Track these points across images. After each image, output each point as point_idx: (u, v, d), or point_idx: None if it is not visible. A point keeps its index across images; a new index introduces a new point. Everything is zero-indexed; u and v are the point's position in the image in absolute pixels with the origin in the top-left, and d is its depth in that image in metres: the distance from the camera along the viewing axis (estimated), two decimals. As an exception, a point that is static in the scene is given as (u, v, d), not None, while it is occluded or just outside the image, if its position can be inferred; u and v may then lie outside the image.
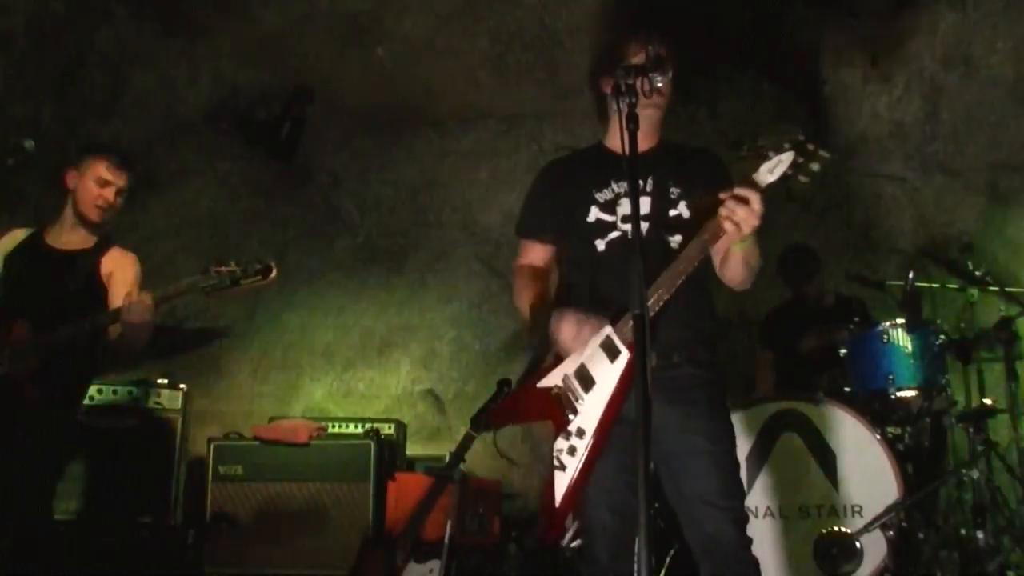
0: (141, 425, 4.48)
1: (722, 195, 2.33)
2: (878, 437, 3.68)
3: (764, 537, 3.59)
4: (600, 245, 2.59)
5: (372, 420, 4.75)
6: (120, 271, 3.38)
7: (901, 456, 3.77)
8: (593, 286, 2.57)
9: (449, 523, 3.77)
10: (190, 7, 4.98)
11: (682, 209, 2.56)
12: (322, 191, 5.74)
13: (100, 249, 3.41)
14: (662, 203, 2.57)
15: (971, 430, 4.09)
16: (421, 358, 5.82)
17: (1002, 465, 4.05)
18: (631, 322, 2.33)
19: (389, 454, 4.58)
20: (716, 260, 2.56)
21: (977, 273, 4.23)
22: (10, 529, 3.12)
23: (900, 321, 4.02)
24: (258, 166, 5.44)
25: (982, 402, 4.14)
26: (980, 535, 3.74)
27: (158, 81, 5.09)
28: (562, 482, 2.39)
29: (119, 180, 3.39)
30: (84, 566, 4.03)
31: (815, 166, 2.30)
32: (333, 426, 4.73)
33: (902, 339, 4.00)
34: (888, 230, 5.40)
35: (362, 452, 4.45)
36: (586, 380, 2.44)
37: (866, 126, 5.17)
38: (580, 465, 2.37)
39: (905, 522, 3.59)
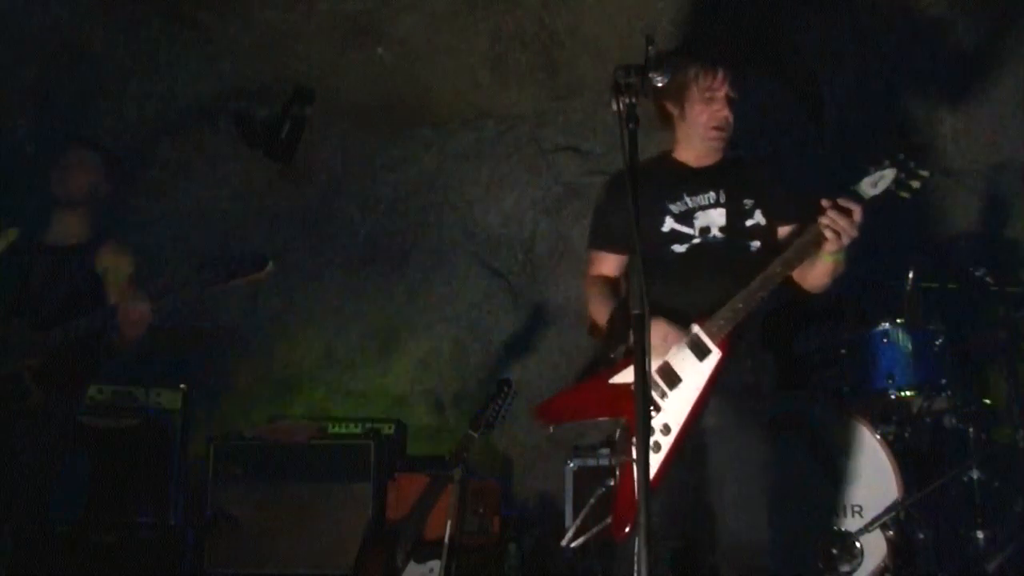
0: (141, 425, 4.48)
1: (824, 202, 2.42)
2: (878, 437, 3.68)
3: (764, 537, 3.59)
4: (679, 249, 2.66)
5: (372, 420, 4.75)
6: (115, 266, 3.35)
7: (901, 456, 3.77)
8: (669, 291, 2.60)
9: (449, 523, 3.78)
10: (190, 7, 4.98)
11: (758, 218, 2.65)
12: (322, 191, 5.74)
13: (95, 243, 3.38)
14: (738, 214, 2.66)
15: (971, 430, 4.09)
16: (421, 358, 5.82)
17: (1002, 465, 4.05)
18: (721, 321, 2.48)
19: (389, 454, 4.58)
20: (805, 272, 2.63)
21: (977, 273, 4.23)
22: (9, 530, 3.11)
23: (900, 321, 4.02)
24: (258, 166, 5.44)
25: (982, 402, 4.14)
26: (980, 535, 3.74)
27: (158, 81, 5.09)
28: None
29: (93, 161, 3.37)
30: (84, 566, 4.03)
31: (916, 184, 2.42)
32: (333, 426, 4.73)
33: (902, 339, 4.00)
34: (888, 230, 5.39)
35: (362, 452, 4.45)
36: (671, 377, 2.49)
37: (866, 125, 5.17)
38: (662, 462, 2.40)
39: (905, 522, 3.59)
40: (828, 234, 2.40)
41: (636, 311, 2.01)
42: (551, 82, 5.29)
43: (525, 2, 5.05)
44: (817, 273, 2.57)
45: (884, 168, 2.44)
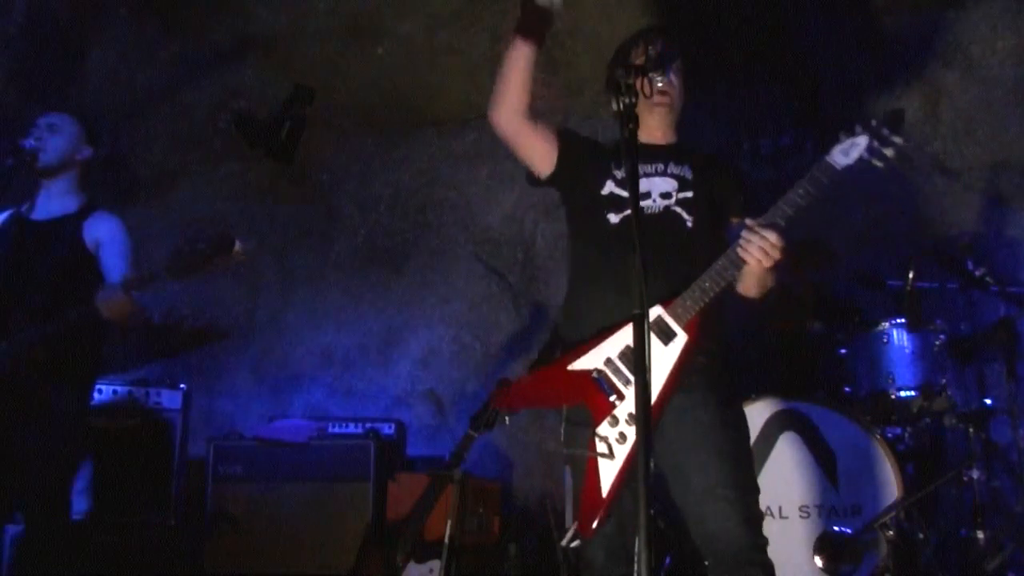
0: (141, 425, 4.48)
1: (747, 223, 2.33)
2: (878, 437, 3.67)
3: (764, 537, 3.59)
4: (613, 219, 2.57)
5: (372, 420, 4.74)
6: (109, 240, 3.27)
7: (901, 456, 3.77)
8: (607, 261, 2.52)
9: (449, 523, 3.77)
10: (190, 7, 4.98)
11: (700, 195, 2.56)
12: (322, 191, 5.74)
13: (83, 213, 3.29)
14: (681, 187, 2.58)
15: (971, 430, 4.08)
16: (421, 358, 5.82)
17: (1002, 465, 4.05)
18: (687, 303, 2.37)
19: (389, 454, 4.57)
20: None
21: (977, 273, 4.23)
22: (28, 530, 3.09)
23: (900, 321, 4.02)
24: (258, 166, 5.44)
25: (982, 402, 4.13)
26: (980, 535, 3.74)
27: (158, 81, 5.09)
28: (610, 471, 2.30)
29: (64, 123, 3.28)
30: (84, 566, 4.03)
31: (890, 152, 2.32)
32: (333, 426, 4.72)
33: (902, 339, 4.00)
34: (888, 230, 5.39)
35: (362, 452, 4.45)
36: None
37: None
38: (629, 454, 2.27)
39: (905, 522, 3.59)
40: (747, 257, 2.32)
41: (636, 311, 2.01)
42: (551, 82, 5.29)
43: (525, 2, 5.05)
44: (746, 283, 2.47)
45: (856, 135, 2.36)
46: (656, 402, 2.31)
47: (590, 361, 2.45)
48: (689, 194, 2.58)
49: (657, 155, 2.63)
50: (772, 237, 2.30)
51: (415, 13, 5.07)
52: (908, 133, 2.33)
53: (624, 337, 2.43)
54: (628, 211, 2.51)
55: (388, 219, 5.79)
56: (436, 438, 5.66)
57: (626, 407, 2.35)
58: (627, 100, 2.17)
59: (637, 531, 1.85)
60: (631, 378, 2.36)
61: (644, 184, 2.56)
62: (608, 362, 2.44)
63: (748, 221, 2.35)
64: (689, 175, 2.62)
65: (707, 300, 2.38)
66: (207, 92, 5.22)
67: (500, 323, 5.76)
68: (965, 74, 4.96)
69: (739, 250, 2.33)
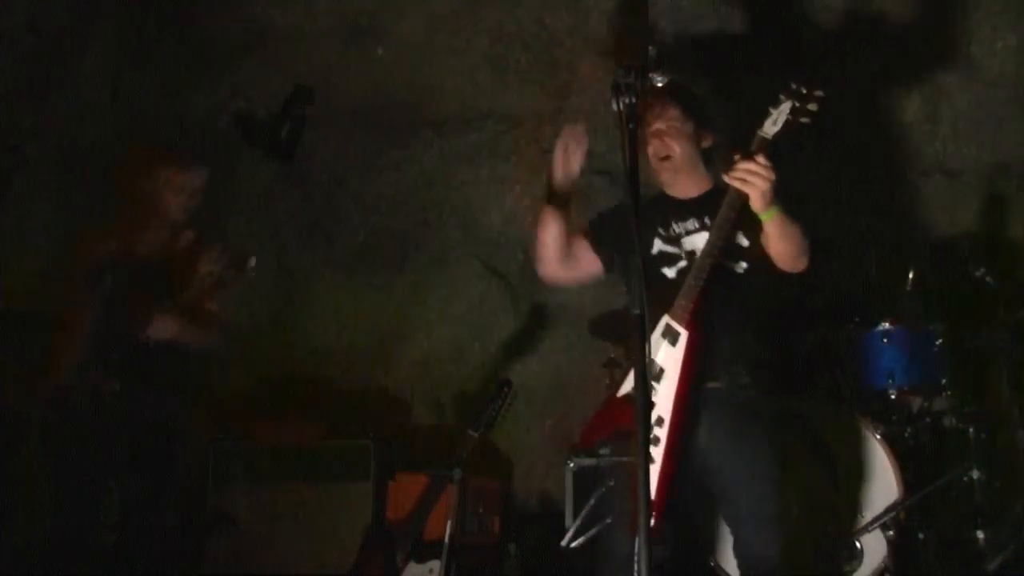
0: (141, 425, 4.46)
1: (735, 157, 2.48)
2: (878, 437, 3.68)
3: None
4: (669, 273, 2.75)
5: (372, 420, 4.74)
6: (187, 261, 3.32)
7: (901, 456, 3.77)
8: (654, 305, 2.65)
9: (449, 523, 3.78)
10: (190, 7, 4.98)
11: (742, 240, 2.70)
12: (322, 191, 5.74)
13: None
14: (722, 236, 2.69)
15: (971, 430, 4.09)
16: (421, 358, 5.82)
17: (1002, 465, 4.05)
18: (682, 302, 2.57)
19: (389, 454, 4.57)
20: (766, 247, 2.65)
21: (977, 273, 4.23)
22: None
23: (900, 321, 4.02)
24: (258, 166, 5.44)
25: (982, 402, 4.14)
26: (980, 535, 3.74)
27: (158, 81, 5.09)
28: (652, 474, 2.45)
29: (195, 180, 3.33)
30: (83, 566, 4.03)
31: (813, 106, 2.45)
32: (333, 426, 4.73)
33: (902, 339, 4.00)
34: (888, 230, 5.40)
35: (362, 452, 4.45)
36: (656, 371, 2.55)
37: (866, 126, 5.17)
38: (664, 451, 2.46)
39: (905, 522, 3.59)
40: (739, 185, 2.44)
41: (636, 311, 2.01)
42: (551, 82, 5.29)
43: (525, 2, 5.05)
44: (771, 244, 2.59)
45: (780, 104, 2.48)
46: (676, 400, 2.49)
47: (629, 383, 2.65)
48: (731, 245, 2.70)
49: (692, 210, 2.77)
50: (759, 158, 2.43)
51: (415, 13, 5.07)
52: (823, 84, 2.45)
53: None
54: (682, 263, 2.73)
55: (388, 219, 5.79)
56: (436, 438, 5.66)
57: (656, 412, 2.52)
58: (627, 100, 2.18)
59: (637, 531, 1.86)
60: (655, 385, 2.55)
61: (687, 243, 2.75)
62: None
63: (735, 156, 2.48)
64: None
65: (696, 293, 2.54)
66: (207, 92, 5.22)
67: (500, 323, 5.76)
68: (965, 74, 4.96)
69: (733, 181, 2.45)
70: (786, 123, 2.45)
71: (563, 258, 2.92)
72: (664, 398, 2.51)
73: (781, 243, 2.57)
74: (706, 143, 2.86)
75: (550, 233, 2.89)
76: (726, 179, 2.48)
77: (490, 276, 5.80)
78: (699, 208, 2.79)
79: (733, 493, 2.59)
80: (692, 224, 2.79)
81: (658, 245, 2.78)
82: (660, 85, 2.40)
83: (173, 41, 5.06)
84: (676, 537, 2.83)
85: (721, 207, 2.56)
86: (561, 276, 2.99)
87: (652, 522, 2.40)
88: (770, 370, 2.78)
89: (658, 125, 2.79)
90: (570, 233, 2.92)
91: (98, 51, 4.88)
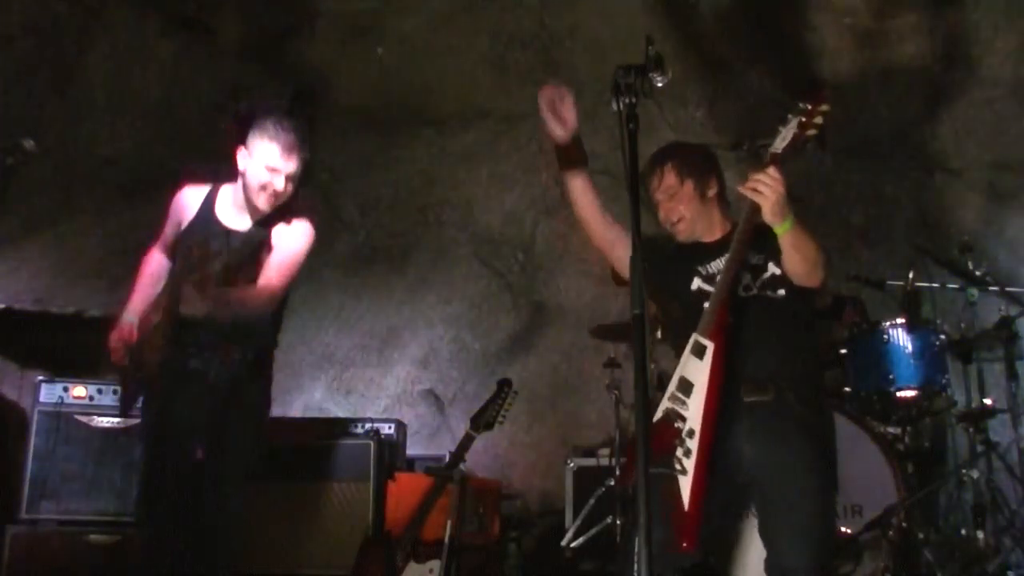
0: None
1: (750, 174, 2.54)
2: (878, 437, 3.68)
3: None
4: (707, 305, 2.75)
5: (372, 420, 4.74)
6: (283, 242, 3.26)
7: (901, 456, 3.77)
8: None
9: (449, 523, 3.78)
10: (190, 7, 4.98)
11: (773, 269, 2.74)
12: (322, 191, 5.74)
13: (268, 223, 3.26)
14: (755, 271, 2.76)
15: (971, 430, 4.09)
16: (421, 358, 5.82)
17: (1002, 465, 4.05)
18: (707, 316, 2.62)
19: (389, 454, 4.57)
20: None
21: (977, 273, 4.23)
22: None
23: (900, 321, 4.02)
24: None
25: (982, 402, 4.14)
26: (980, 535, 3.74)
27: (158, 81, 5.08)
28: (686, 486, 2.50)
29: (288, 167, 3.20)
30: (83, 566, 4.03)
31: (819, 119, 2.52)
32: (333, 426, 4.72)
33: (902, 339, 4.00)
34: (888, 230, 5.40)
35: (362, 452, 4.44)
36: (686, 386, 2.62)
37: (866, 126, 5.17)
38: (696, 462, 2.50)
39: (905, 522, 3.59)
40: (750, 194, 2.51)
41: (636, 311, 2.01)
42: (551, 82, 5.28)
43: (525, 2, 5.06)
44: (786, 258, 2.63)
45: (788, 122, 2.56)
46: (705, 412, 2.54)
47: (663, 405, 2.69)
48: (767, 275, 2.74)
49: (722, 249, 2.79)
50: (770, 170, 2.50)
51: (415, 13, 5.07)
52: (828, 98, 2.54)
53: (678, 371, 2.68)
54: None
55: (388, 219, 5.79)
56: (436, 438, 5.66)
57: (686, 425, 2.57)
58: (627, 100, 2.19)
59: (637, 531, 1.85)
60: (685, 399, 2.61)
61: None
62: (672, 397, 2.66)
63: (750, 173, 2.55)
64: (756, 259, 2.77)
65: (719, 305, 2.61)
66: (207, 92, 5.22)
67: (500, 323, 5.76)
68: (965, 74, 4.96)
69: (746, 191, 2.52)
70: (794, 137, 2.54)
71: (605, 222, 2.88)
72: (695, 411, 2.55)
73: (796, 256, 2.60)
74: (712, 191, 2.89)
75: (578, 199, 2.88)
76: (740, 190, 2.54)
77: (490, 276, 5.80)
78: (725, 249, 2.81)
79: (776, 504, 2.61)
80: (722, 262, 2.82)
81: (697, 283, 2.83)
82: (660, 85, 2.39)
83: (173, 41, 5.06)
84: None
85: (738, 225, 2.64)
86: (606, 241, 2.91)
87: (686, 539, 2.46)
88: (819, 391, 2.81)
89: (659, 195, 2.87)
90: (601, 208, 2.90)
91: (98, 51, 4.88)
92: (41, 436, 4.18)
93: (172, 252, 3.37)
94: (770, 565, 2.59)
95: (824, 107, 2.52)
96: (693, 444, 2.52)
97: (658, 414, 2.67)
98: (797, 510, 2.57)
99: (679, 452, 2.54)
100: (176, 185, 3.49)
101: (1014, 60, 4.87)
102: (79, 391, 4.28)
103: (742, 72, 5.29)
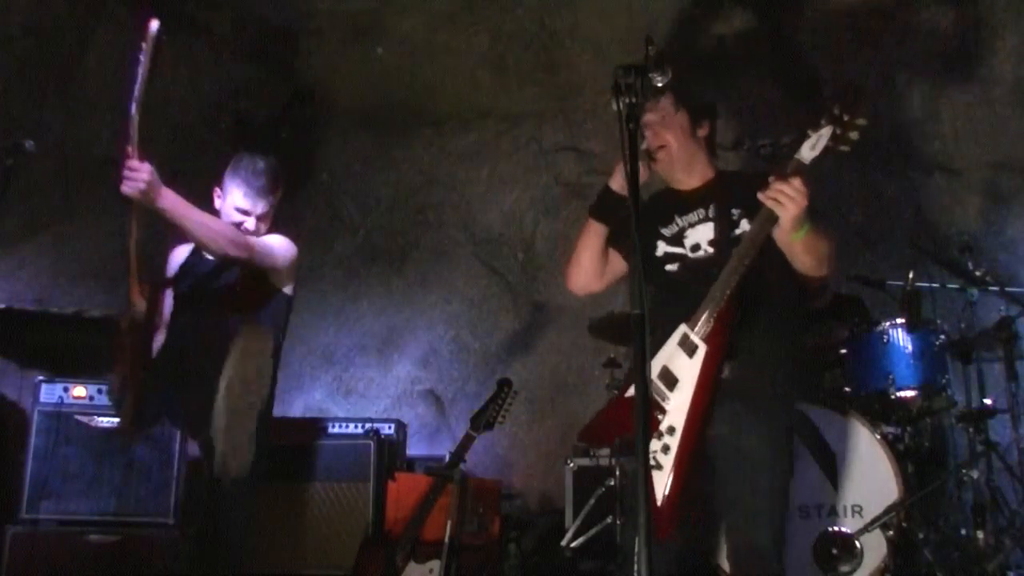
0: (141, 425, 4.46)
1: (771, 179, 2.43)
2: (878, 437, 3.67)
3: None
4: (671, 268, 2.74)
5: (372, 420, 4.74)
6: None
7: (901, 456, 3.76)
8: (668, 302, 2.68)
9: (449, 523, 3.78)
10: (190, 6, 4.98)
11: (745, 227, 2.66)
12: (322, 191, 5.74)
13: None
14: (725, 225, 2.70)
15: (971, 430, 4.09)
16: (421, 358, 5.82)
17: (1002, 465, 4.05)
18: (704, 315, 2.54)
19: (389, 454, 4.57)
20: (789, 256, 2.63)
21: (977, 273, 4.23)
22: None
23: (900, 321, 4.02)
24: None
25: (982, 402, 4.13)
26: (980, 535, 3.73)
27: (158, 81, 5.08)
28: (661, 481, 2.46)
29: (258, 208, 3.34)
30: (83, 566, 4.03)
31: (854, 134, 2.40)
32: (333, 426, 4.73)
33: (902, 339, 4.00)
34: (888, 230, 5.40)
35: (362, 452, 4.44)
36: (669, 379, 2.55)
37: (866, 126, 5.16)
38: (676, 461, 2.45)
39: (905, 522, 3.59)
40: (772, 205, 2.42)
41: (636, 311, 2.01)
42: (551, 82, 5.29)
43: (525, 2, 5.05)
44: (796, 256, 2.57)
45: (821, 128, 2.43)
46: (690, 412, 2.48)
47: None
48: (738, 232, 2.67)
49: (695, 202, 2.75)
50: (795, 182, 2.40)
51: (415, 13, 5.07)
52: (867, 111, 2.40)
53: (661, 359, 2.61)
54: (688, 259, 2.74)
55: (388, 219, 5.79)
56: (436, 438, 5.66)
57: (667, 420, 2.51)
58: (627, 100, 2.18)
59: (637, 531, 1.85)
60: (668, 393, 2.54)
61: (691, 236, 2.74)
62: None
63: (771, 178, 2.44)
64: (734, 212, 2.70)
65: (720, 307, 2.51)
66: (207, 92, 5.22)
67: (500, 323, 5.76)
68: (965, 74, 4.96)
69: (767, 201, 2.42)
70: (825, 148, 2.41)
71: (600, 273, 2.91)
72: (678, 408, 2.50)
73: (806, 257, 2.57)
74: (702, 132, 2.83)
75: (590, 247, 2.87)
76: (760, 197, 2.44)
77: (490, 276, 5.80)
78: (702, 198, 2.77)
79: (723, 479, 2.55)
80: (695, 216, 2.77)
81: (662, 247, 2.77)
82: (660, 85, 2.38)
83: (173, 41, 5.06)
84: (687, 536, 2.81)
85: (751, 227, 2.54)
86: (595, 287, 2.96)
87: (663, 530, 2.42)
88: (794, 378, 2.74)
89: (650, 116, 2.78)
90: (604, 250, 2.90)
91: (98, 51, 4.88)
92: (41, 436, 4.18)
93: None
94: (731, 542, 2.58)
95: (862, 120, 2.39)
96: (673, 442, 2.47)
97: (631, 390, 2.53)
98: (745, 482, 2.53)
99: (656, 444, 2.49)
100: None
101: (1014, 60, 4.87)
102: (79, 391, 4.28)
103: (742, 72, 5.29)
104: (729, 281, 2.52)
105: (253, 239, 3.28)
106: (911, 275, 4.06)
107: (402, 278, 5.84)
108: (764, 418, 2.59)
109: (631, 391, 2.60)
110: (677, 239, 2.74)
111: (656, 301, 2.70)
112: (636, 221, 2.08)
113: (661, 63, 2.29)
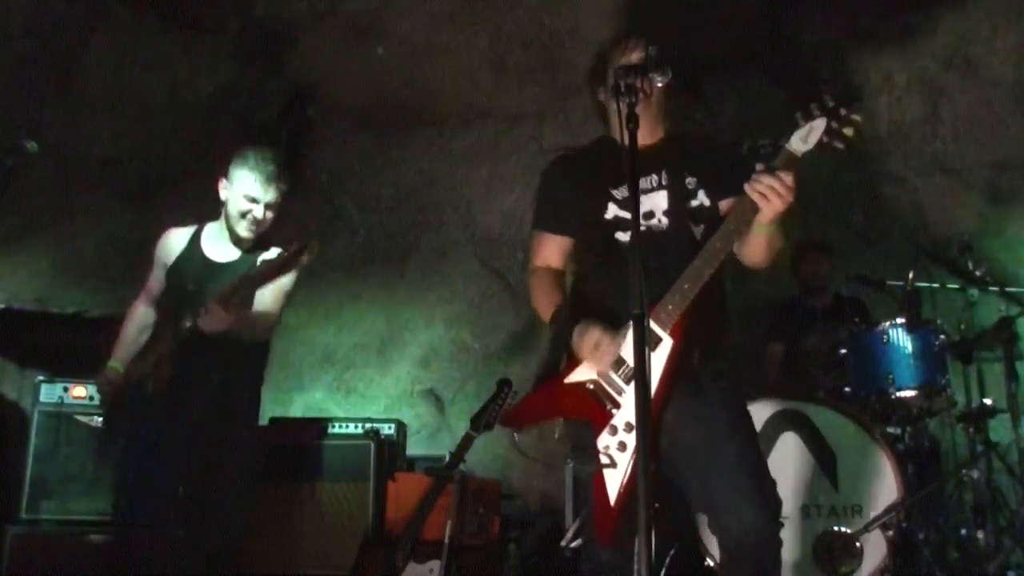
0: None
1: (757, 168, 2.29)
2: (878, 437, 3.68)
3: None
4: (622, 237, 2.53)
5: (372, 420, 4.74)
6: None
7: (901, 456, 3.77)
8: (618, 280, 2.39)
9: (449, 523, 3.78)
10: (190, 6, 4.98)
11: (702, 198, 2.53)
12: (322, 191, 5.74)
13: (254, 250, 3.38)
14: (680, 195, 2.53)
15: (971, 430, 4.09)
16: (421, 358, 5.82)
17: (1002, 465, 4.05)
18: (669, 307, 2.35)
19: (389, 454, 4.57)
20: (743, 243, 2.46)
21: (977, 273, 4.23)
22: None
23: (900, 321, 4.02)
24: (258, 166, 5.43)
25: (982, 402, 4.14)
26: (980, 535, 3.74)
27: (158, 81, 5.09)
28: (615, 479, 2.31)
29: (267, 196, 3.31)
30: (83, 566, 4.03)
31: (849, 131, 2.27)
32: (333, 426, 4.73)
33: (902, 339, 4.00)
34: (888, 230, 5.40)
35: (362, 452, 4.44)
36: (627, 372, 2.36)
37: (866, 126, 5.17)
38: (633, 460, 2.25)
39: (905, 522, 3.59)
40: (757, 199, 2.27)
41: (636, 311, 2.01)
42: (551, 82, 5.29)
43: (525, 2, 5.05)
44: (753, 248, 2.43)
45: (814, 119, 2.29)
46: (652, 407, 2.28)
47: (584, 373, 2.44)
48: (695, 203, 2.54)
49: (651, 163, 2.56)
50: (787, 178, 2.27)
51: (415, 13, 5.07)
52: (863, 108, 2.31)
53: (617, 348, 2.42)
54: (640, 227, 2.44)
55: (388, 219, 5.79)
56: (436, 438, 5.66)
57: (623, 416, 2.35)
58: (627, 100, 2.17)
59: (637, 531, 1.85)
60: (624, 387, 2.36)
61: (645, 203, 2.53)
62: (601, 373, 2.43)
63: (759, 166, 2.31)
64: (688, 181, 2.56)
65: (689, 301, 2.35)
66: (207, 92, 5.22)
67: (500, 323, 5.76)
68: (965, 74, 4.96)
69: (753, 193, 2.28)
70: (818, 142, 2.28)
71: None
72: (636, 404, 2.20)
73: (764, 250, 2.43)
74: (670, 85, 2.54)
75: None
76: (746, 188, 2.29)
77: (490, 276, 5.80)
78: (651, 161, 2.56)
79: (698, 468, 2.36)
80: (648, 182, 2.56)
81: (613, 210, 2.56)
82: (660, 85, 2.34)
83: (173, 42, 5.06)
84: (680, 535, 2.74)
85: (731, 216, 2.35)
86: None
87: (607, 530, 2.29)
88: (731, 363, 2.56)
89: (623, 61, 2.50)
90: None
91: (98, 51, 4.88)
92: (41, 436, 4.18)
93: (157, 301, 3.45)
94: (720, 527, 2.35)
95: (857, 116, 2.27)
96: (631, 439, 2.29)
97: (576, 375, 2.43)
98: (732, 467, 2.33)
99: (610, 440, 2.34)
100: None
101: (1014, 60, 4.87)
102: (79, 391, 4.28)
103: (742, 72, 5.29)
104: (701, 274, 2.34)
105: (275, 308, 3.36)
106: (911, 275, 4.07)
107: (402, 278, 5.84)
108: (725, 397, 2.46)
109: (576, 376, 2.45)
110: (629, 203, 2.44)
111: (602, 272, 2.54)
112: (636, 222, 2.07)
113: (661, 63, 2.29)
